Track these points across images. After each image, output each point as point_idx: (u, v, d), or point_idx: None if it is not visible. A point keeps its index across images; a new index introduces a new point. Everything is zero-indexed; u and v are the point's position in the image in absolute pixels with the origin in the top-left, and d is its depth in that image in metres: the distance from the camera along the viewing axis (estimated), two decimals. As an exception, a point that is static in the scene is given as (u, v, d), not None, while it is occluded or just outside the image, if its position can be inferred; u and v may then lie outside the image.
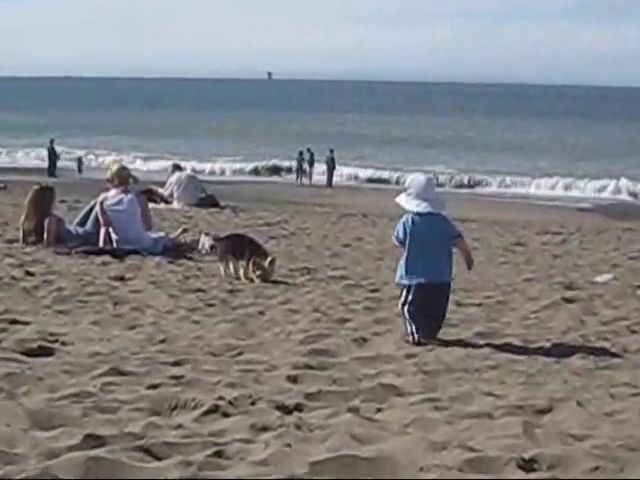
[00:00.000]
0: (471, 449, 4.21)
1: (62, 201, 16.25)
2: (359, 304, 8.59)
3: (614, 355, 6.71)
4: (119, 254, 10.97)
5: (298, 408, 4.99)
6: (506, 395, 5.42)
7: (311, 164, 41.00)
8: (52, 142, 41.53)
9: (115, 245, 11.34)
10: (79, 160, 43.35)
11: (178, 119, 79.42)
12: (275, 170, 45.32)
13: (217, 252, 10.32)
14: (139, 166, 42.75)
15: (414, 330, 7.01)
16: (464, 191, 38.18)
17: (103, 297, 8.46)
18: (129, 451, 4.01)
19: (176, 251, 11.50)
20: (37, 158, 47.56)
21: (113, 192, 11.54)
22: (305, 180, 40.76)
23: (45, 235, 11.58)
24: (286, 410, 4.92)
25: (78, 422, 4.52)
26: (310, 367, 6.00)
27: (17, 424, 4.43)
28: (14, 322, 7.02)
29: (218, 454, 4.07)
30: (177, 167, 20.91)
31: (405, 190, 7.29)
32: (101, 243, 11.40)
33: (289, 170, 44.01)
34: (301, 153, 41.06)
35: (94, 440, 4.14)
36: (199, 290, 9.10)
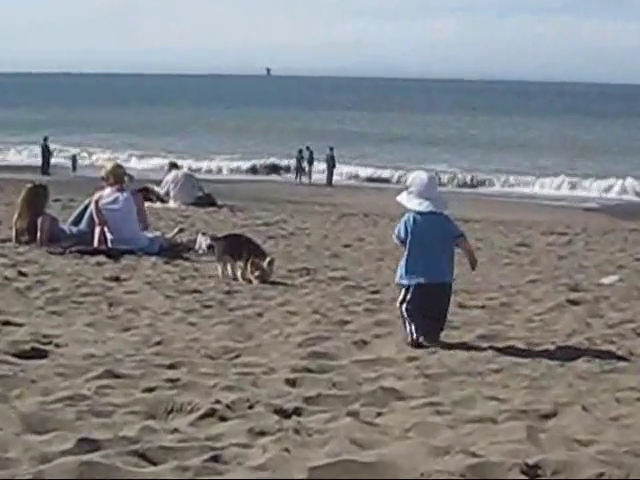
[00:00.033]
0: (474, 454, 4.16)
1: (56, 200, 16.17)
2: (359, 306, 8.53)
3: (620, 358, 6.64)
4: (114, 254, 10.90)
5: (297, 412, 4.95)
6: (510, 399, 5.37)
7: (310, 162, 41.01)
8: (46, 139, 41.42)
9: (110, 245, 11.26)
10: (73, 158, 43.25)
11: (176, 116, 79.79)
12: (274, 168, 45.29)
13: (215, 252, 10.25)
14: (134, 164, 42.59)
15: (413, 330, 6.96)
16: (467, 190, 38.26)
17: (98, 298, 8.39)
18: (124, 456, 3.99)
19: (172, 251, 11.43)
20: (30, 156, 47.53)
21: (108, 191, 11.46)
22: (304, 179, 40.77)
23: (38, 234, 11.51)
24: (284, 414, 4.88)
25: (72, 426, 4.49)
26: (309, 370, 5.95)
27: (9, 428, 4.40)
28: (6, 323, 6.96)
29: (215, 459, 4.03)
30: (174, 165, 20.82)
31: (406, 188, 7.20)
32: (96, 243, 11.32)
33: (288, 169, 43.98)
34: (300, 151, 41.06)
35: (88, 444, 4.11)
36: (196, 291, 9.04)
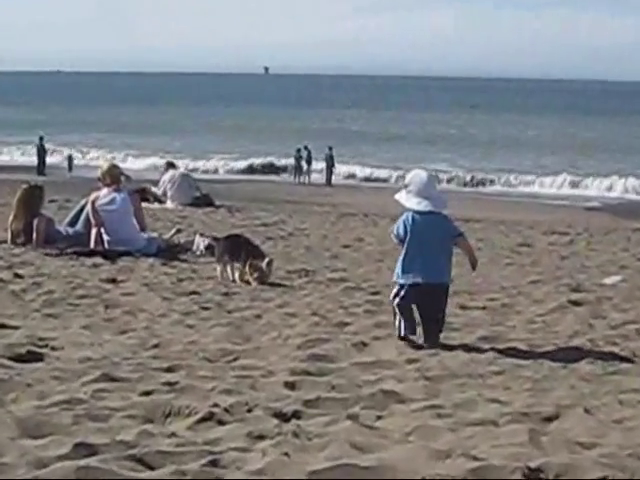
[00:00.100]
0: (475, 458, 4.14)
1: (52, 200, 16.19)
2: (359, 307, 8.49)
3: (623, 360, 6.61)
4: (111, 255, 10.85)
5: (296, 415, 4.92)
6: (511, 402, 5.34)
7: (309, 162, 40.97)
8: (41, 139, 41.33)
9: (107, 246, 11.21)
10: (69, 158, 43.13)
11: (173, 115, 79.91)
12: (272, 168, 45.22)
13: (215, 253, 10.20)
14: (130, 164, 42.49)
15: (402, 326, 6.97)
16: (468, 190, 38.30)
17: (94, 300, 8.36)
18: (121, 460, 3.98)
19: (170, 252, 11.37)
20: (24, 156, 47.46)
21: (105, 191, 11.42)
22: (303, 178, 40.73)
23: (34, 236, 11.46)
24: (284, 418, 4.86)
25: (68, 430, 4.47)
26: (308, 373, 5.92)
27: (5, 432, 4.38)
28: (2, 326, 6.93)
29: (213, 463, 4.02)
30: (171, 165, 20.68)
31: (405, 187, 7.14)
32: (92, 244, 11.27)
33: (286, 168, 43.92)
34: (299, 150, 41.02)
35: (85, 449, 4.10)
36: (193, 293, 9.00)
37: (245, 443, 4.35)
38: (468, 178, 41.57)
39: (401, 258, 7.04)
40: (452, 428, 4.73)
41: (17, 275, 9.39)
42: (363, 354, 6.61)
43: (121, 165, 14.09)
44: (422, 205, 6.96)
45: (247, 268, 9.60)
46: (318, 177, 40.16)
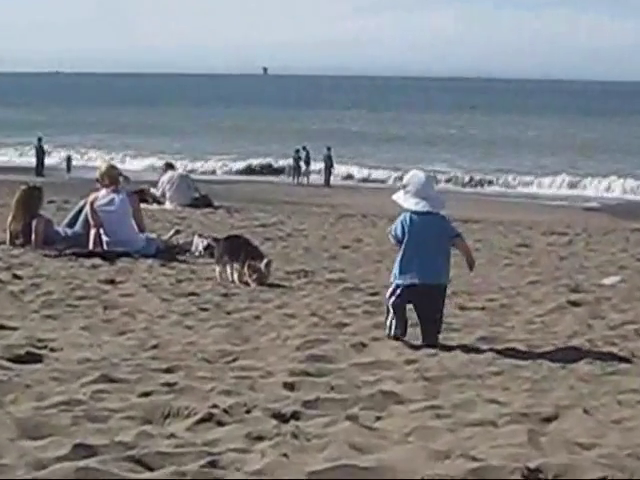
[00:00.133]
0: (474, 458, 4.14)
1: (50, 201, 16.16)
2: (358, 308, 8.48)
3: (622, 360, 6.60)
4: (110, 256, 10.82)
5: (295, 416, 4.91)
6: (510, 402, 5.34)
7: (307, 163, 40.95)
8: (40, 140, 41.25)
9: (106, 247, 11.19)
10: (68, 159, 43.08)
11: (173, 116, 79.82)
12: (271, 169, 45.18)
13: (214, 254, 10.19)
14: (128, 165, 42.45)
15: (393, 325, 6.97)
16: (467, 190, 38.29)
17: (93, 301, 8.34)
18: (120, 461, 3.97)
19: (169, 253, 11.35)
20: (22, 157, 47.40)
21: (103, 192, 11.40)
22: (302, 179, 40.71)
23: (33, 237, 11.44)
24: (282, 418, 4.85)
25: (67, 431, 4.46)
26: (307, 374, 5.91)
27: (4, 433, 4.37)
28: (1, 327, 6.91)
29: (212, 464, 4.01)
30: (169, 166, 20.66)
31: (403, 187, 7.14)
32: (91, 245, 11.25)
33: (283, 170, 43.87)
34: (297, 151, 41.00)
35: (84, 450, 4.09)
36: (192, 294, 8.98)
37: (244, 444, 4.34)
38: (467, 179, 41.58)
39: (398, 259, 7.04)
40: (451, 429, 4.72)
41: (16, 276, 9.37)
42: (362, 355, 6.60)
43: (119, 166, 14.04)
44: (420, 206, 6.96)
45: (246, 269, 9.59)
46: (316, 178, 40.15)
